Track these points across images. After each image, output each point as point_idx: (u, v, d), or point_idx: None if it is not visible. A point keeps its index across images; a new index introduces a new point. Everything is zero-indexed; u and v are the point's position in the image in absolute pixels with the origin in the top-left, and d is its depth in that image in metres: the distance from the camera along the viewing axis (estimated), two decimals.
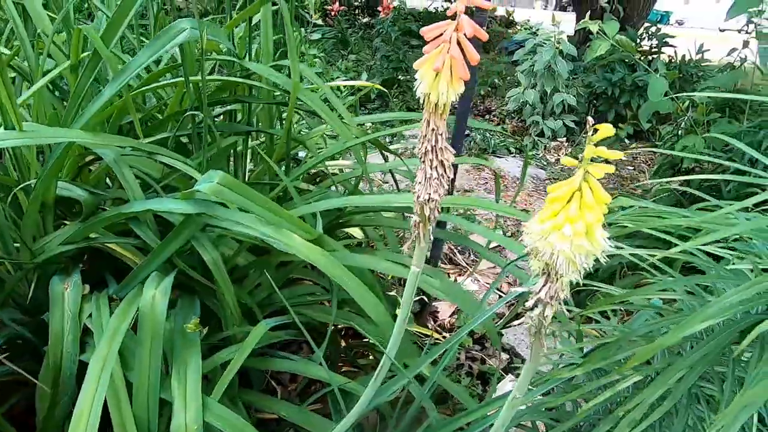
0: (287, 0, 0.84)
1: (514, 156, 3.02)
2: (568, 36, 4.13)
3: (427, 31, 0.34)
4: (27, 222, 0.79)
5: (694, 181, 1.82)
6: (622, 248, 0.47)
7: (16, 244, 0.81)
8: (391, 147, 1.31)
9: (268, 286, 0.97)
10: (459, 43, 0.34)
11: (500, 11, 9.40)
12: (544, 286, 0.35)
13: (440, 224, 1.04)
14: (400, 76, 3.49)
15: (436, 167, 0.41)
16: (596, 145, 0.32)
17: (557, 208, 0.32)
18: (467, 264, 1.85)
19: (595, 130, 0.30)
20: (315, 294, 1.03)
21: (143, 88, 0.85)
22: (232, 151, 1.01)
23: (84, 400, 0.54)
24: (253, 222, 0.62)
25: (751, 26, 1.84)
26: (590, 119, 0.31)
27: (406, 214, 1.10)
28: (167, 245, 0.71)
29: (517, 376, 0.71)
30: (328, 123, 0.83)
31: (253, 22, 1.04)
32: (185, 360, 0.66)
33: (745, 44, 2.72)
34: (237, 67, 0.92)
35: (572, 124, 3.12)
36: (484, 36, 0.34)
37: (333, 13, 3.49)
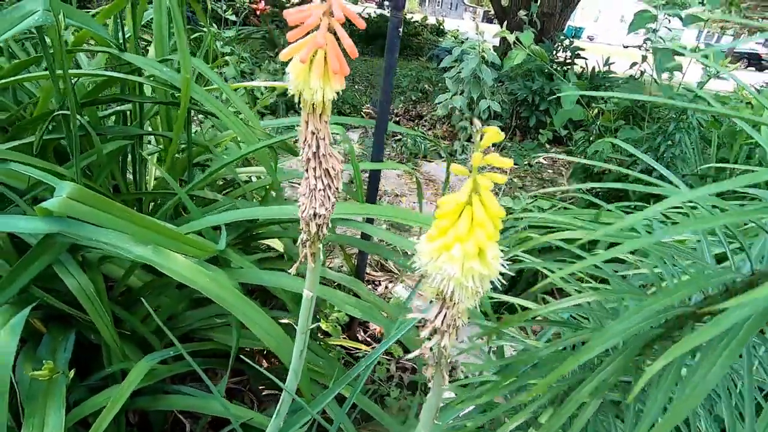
0: None
1: (445, 160, 3.07)
2: (493, 46, 4.33)
3: (290, 15, 0.28)
4: None
5: (606, 182, 1.95)
6: (523, 260, 0.45)
7: None
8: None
9: (168, 308, 0.86)
10: (332, 31, 0.29)
11: (431, 20, 9.69)
12: (439, 313, 0.31)
13: (365, 236, 0.98)
14: None
15: (320, 177, 0.35)
16: (489, 150, 0.27)
17: (446, 224, 0.27)
18: (399, 270, 1.82)
19: (482, 135, 0.26)
20: (225, 315, 0.92)
21: (2, 81, 0.70)
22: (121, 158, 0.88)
23: None
24: (123, 242, 0.52)
25: (649, 43, 2.01)
26: (476, 122, 0.27)
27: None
28: (21, 271, 0.58)
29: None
30: (228, 126, 0.74)
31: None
32: (42, 413, 0.54)
33: (644, 59, 3.02)
34: (123, 61, 0.80)
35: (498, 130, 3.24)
36: (360, 23, 0.29)
37: (258, 12, 3.33)
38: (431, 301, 0.32)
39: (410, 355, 0.32)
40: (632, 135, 1.77)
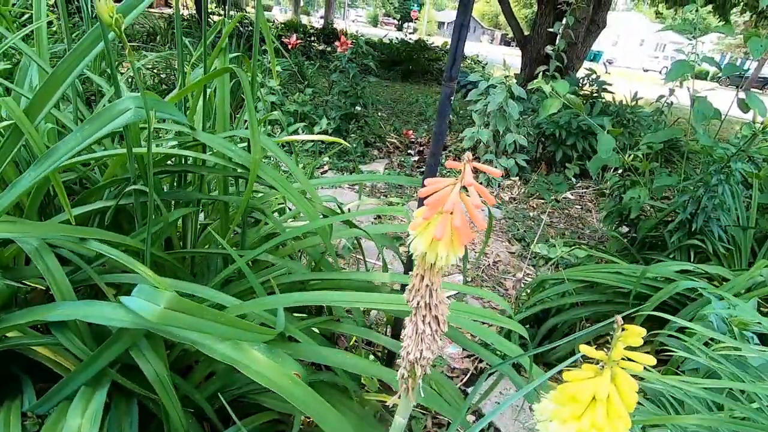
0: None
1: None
2: (514, 73, 4.36)
3: (426, 193, 0.29)
4: None
5: (642, 229, 1.92)
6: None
7: None
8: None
9: (222, 374, 0.87)
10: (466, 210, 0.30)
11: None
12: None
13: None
14: (357, 111, 3.48)
15: (429, 323, 0.36)
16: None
17: (578, 410, 0.28)
18: None
19: (623, 329, 0.27)
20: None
21: (76, 159, 0.74)
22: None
23: None
24: (206, 340, 0.53)
25: (665, 70, 2.00)
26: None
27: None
28: (99, 356, 0.60)
29: None
30: (291, 201, 0.76)
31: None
32: None
33: (671, 92, 3.01)
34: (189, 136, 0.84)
35: (524, 163, 3.23)
36: (491, 200, 0.30)
37: (291, 47, 3.44)
38: None
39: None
40: (669, 182, 1.75)
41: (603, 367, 0.27)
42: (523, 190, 3.17)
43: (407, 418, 0.42)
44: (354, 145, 3.28)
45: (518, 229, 2.58)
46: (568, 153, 3.33)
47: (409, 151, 3.78)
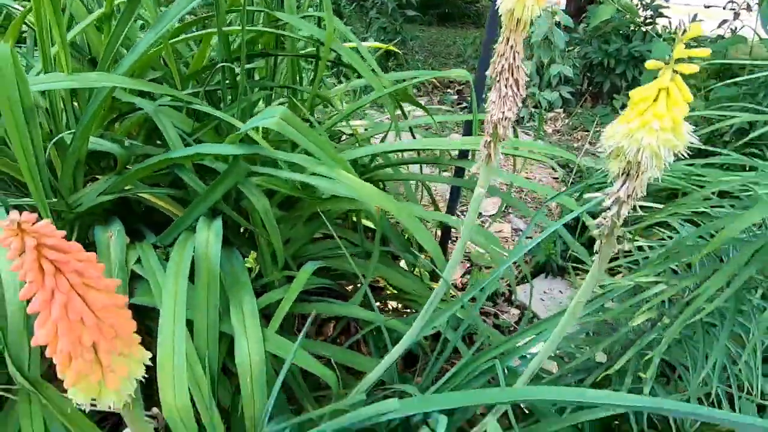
0: None
1: (513, 128, 3.05)
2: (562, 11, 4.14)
3: None
4: (65, 174, 0.79)
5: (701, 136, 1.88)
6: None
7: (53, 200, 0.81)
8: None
9: (296, 240, 0.99)
10: None
11: None
12: (622, 186, 0.38)
13: (458, 172, 1.06)
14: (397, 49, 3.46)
15: (511, 86, 0.43)
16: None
17: (643, 107, 0.35)
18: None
19: (685, 30, 0.33)
20: (341, 249, 1.05)
21: (176, 39, 0.84)
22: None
23: (164, 339, 0.53)
24: (305, 162, 0.64)
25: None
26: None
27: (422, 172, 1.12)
28: (214, 190, 0.73)
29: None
30: (361, 74, 0.84)
31: None
32: (240, 298, 0.69)
33: (736, 15, 2.79)
34: (263, 20, 0.92)
35: (568, 95, 3.15)
36: None
37: None
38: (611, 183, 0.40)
39: (592, 222, 0.41)
40: (727, 93, 1.69)
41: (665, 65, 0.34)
42: (567, 122, 3.10)
43: (486, 189, 0.50)
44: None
45: (561, 157, 2.57)
46: (616, 83, 3.20)
47: (448, 90, 3.75)
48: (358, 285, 1.20)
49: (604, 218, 0.41)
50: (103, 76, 0.68)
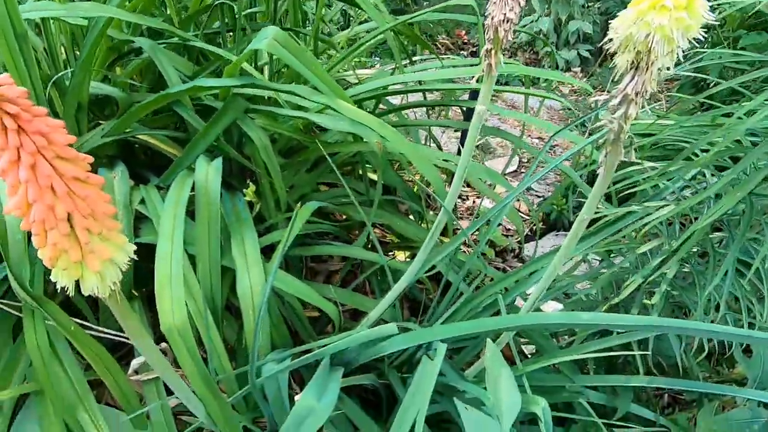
0: None
1: (528, 88, 2.95)
2: None
3: None
4: (67, 116, 0.79)
5: (716, 96, 1.79)
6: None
7: None
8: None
9: (300, 187, 0.98)
10: None
11: None
12: (631, 81, 0.36)
13: (469, 114, 1.02)
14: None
15: None
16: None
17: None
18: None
19: None
20: (347, 197, 1.04)
21: None
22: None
23: (162, 271, 0.53)
24: (303, 92, 0.62)
25: None
26: None
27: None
28: (213, 126, 0.71)
29: None
30: (363, 8, 0.80)
31: None
32: (241, 233, 0.69)
33: None
34: None
35: (587, 54, 3.02)
36: None
37: None
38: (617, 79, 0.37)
39: (598, 125, 0.38)
40: (757, 40, 1.59)
41: None
42: (585, 82, 2.98)
43: (487, 106, 0.48)
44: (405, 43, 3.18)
45: (576, 116, 2.49)
46: None
47: (461, 52, 3.63)
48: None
49: (611, 121, 0.38)
50: (97, 6, 0.66)
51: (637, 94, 0.36)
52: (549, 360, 0.59)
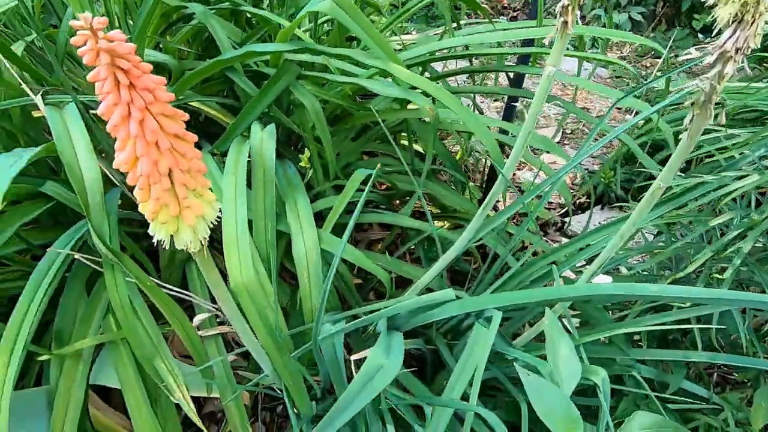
0: None
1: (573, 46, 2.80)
2: None
3: None
4: None
5: None
6: None
7: None
8: None
9: (346, 155, 0.99)
10: None
11: None
12: (732, 35, 0.33)
13: (519, 81, 0.99)
14: None
15: None
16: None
17: None
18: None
19: None
20: (392, 165, 1.04)
21: None
22: None
23: (228, 231, 0.55)
24: (358, 55, 0.61)
25: None
26: None
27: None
28: (266, 92, 0.72)
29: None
30: None
31: None
32: (294, 199, 0.70)
33: None
34: None
35: (639, 17, 2.82)
36: None
37: None
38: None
39: (686, 86, 0.36)
40: None
41: None
42: (636, 46, 2.81)
43: (558, 67, 0.46)
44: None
45: (627, 85, 2.36)
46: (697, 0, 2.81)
47: (501, 17, 3.47)
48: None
49: (702, 80, 0.36)
50: None
51: (737, 51, 0.33)
52: (604, 332, 0.58)
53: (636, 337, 0.78)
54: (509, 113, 0.99)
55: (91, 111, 0.66)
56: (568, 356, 0.47)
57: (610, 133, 0.68)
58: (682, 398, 0.68)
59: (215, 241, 0.59)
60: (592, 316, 0.65)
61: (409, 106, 0.78)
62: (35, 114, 0.74)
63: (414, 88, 0.65)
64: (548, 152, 1.94)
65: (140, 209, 0.28)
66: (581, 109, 2.37)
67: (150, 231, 0.29)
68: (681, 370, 0.72)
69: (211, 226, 0.31)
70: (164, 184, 0.26)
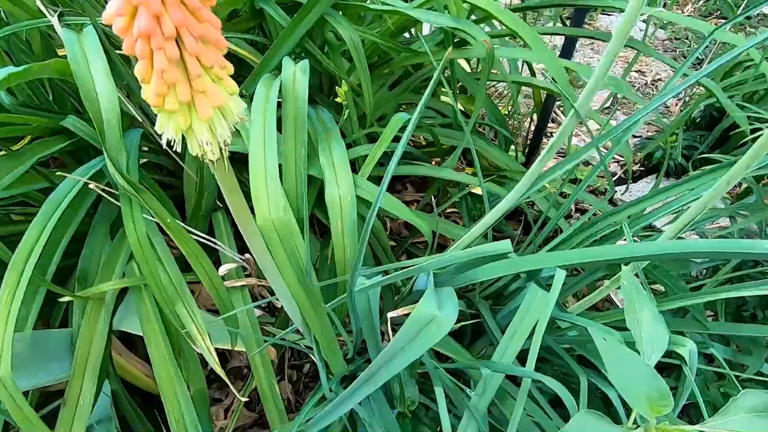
0: None
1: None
2: None
3: None
4: None
5: None
6: None
7: None
8: None
9: (382, 106, 0.91)
10: None
11: None
12: None
13: (577, 17, 0.87)
14: None
15: None
16: None
17: None
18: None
19: None
20: (431, 118, 0.96)
21: None
22: None
23: (256, 170, 0.49)
24: None
25: None
26: None
27: None
28: (299, 23, 0.64)
29: None
30: None
31: None
32: (329, 143, 0.63)
33: None
34: None
35: None
36: None
37: None
38: None
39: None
40: None
41: None
42: (700, 5, 2.54)
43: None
44: None
45: (688, 47, 2.14)
46: None
47: None
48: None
49: None
50: None
51: None
52: (684, 301, 0.50)
53: (707, 314, 0.69)
54: (569, 48, 0.88)
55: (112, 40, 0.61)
56: (651, 320, 0.39)
57: (690, 76, 0.57)
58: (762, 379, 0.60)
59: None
60: (666, 284, 0.56)
61: (456, 51, 0.69)
62: (60, 53, 0.70)
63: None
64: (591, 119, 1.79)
65: (143, 95, 0.22)
66: (636, 72, 2.16)
67: (157, 128, 0.23)
68: (761, 351, 0.63)
69: (233, 130, 0.25)
70: (170, 51, 0.19)
